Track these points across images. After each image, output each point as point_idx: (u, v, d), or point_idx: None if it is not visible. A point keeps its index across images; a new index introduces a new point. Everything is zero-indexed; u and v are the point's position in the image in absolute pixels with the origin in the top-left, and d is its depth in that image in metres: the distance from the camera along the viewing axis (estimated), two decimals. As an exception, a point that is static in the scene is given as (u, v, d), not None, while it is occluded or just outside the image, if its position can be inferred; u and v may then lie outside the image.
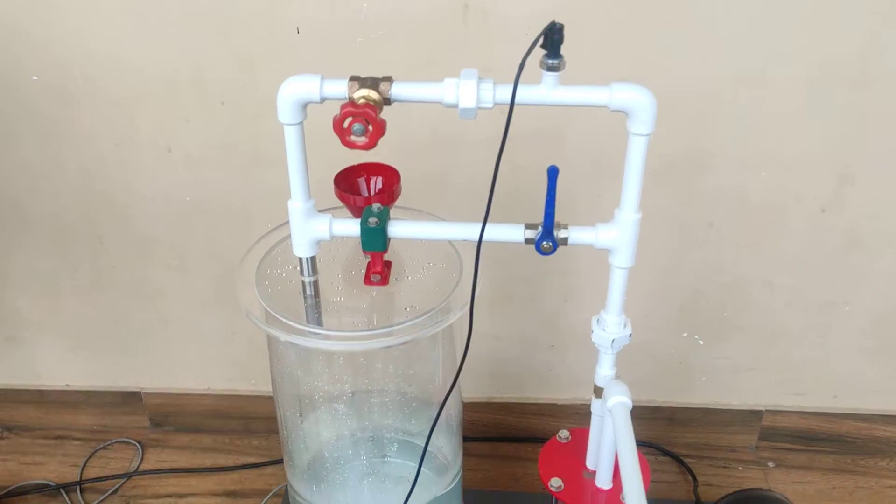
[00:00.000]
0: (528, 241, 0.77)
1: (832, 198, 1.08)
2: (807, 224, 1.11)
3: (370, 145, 0.68)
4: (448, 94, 0.70)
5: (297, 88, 0.71)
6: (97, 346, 1.30)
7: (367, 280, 0.80)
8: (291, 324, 0.79)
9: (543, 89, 0.70)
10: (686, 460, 1.28)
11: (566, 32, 0.67)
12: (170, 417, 1.36)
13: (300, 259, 0.80)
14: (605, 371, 0.85)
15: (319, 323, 0.83)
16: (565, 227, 0.77)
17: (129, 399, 1.34)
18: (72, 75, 1.04)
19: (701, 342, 1.23)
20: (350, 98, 0.70)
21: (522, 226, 0.77)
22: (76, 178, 1.13)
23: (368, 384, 0.94)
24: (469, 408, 1.31)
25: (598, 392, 0.86)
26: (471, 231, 0.78)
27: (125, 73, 1.04)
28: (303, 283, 0.81)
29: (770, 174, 1.07)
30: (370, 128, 0.67)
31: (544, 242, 0.76)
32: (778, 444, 1.30)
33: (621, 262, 0.78)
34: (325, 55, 1.02)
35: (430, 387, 0.95)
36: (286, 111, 0.72)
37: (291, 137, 0.74)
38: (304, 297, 0.82)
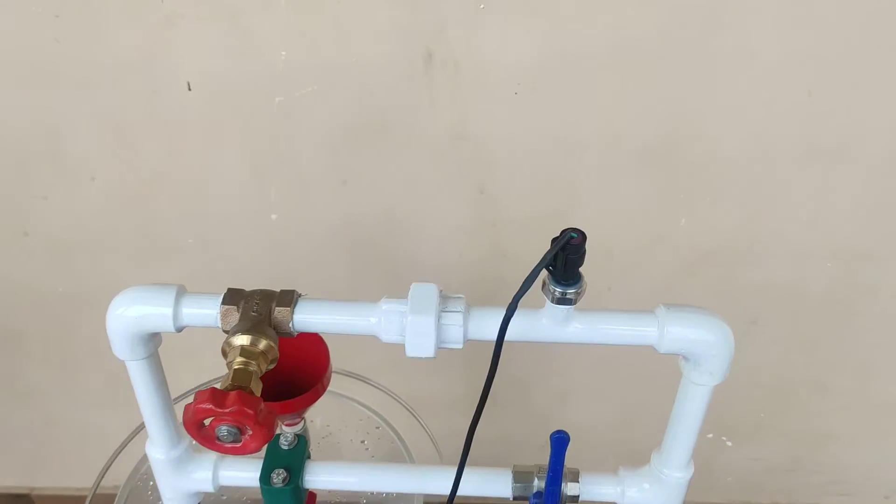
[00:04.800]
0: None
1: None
2: (878, 320, 0.85)
3: (251, 450, 0.40)
4: (387, 330, 0.42)
5: (133, 315, 0.43)
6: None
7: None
8: None
9: (547, 324, 0.42)
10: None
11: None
12: (66, 521, 1.12)
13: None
14: None
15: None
16: (575, 477, 0.50)
17: (18, 502, 1.08)
18: None
19: (729, 443, 0.98)
20: (225, 346, 0.41)
21: (509, 477, 0.51)
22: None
23: None
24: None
25: None
26: (434, 482, 0.51)
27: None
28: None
29: (838, 265, 0.80)
30: (248, 432, 0.39)
31: (544, 524, 0.49)
32: (815, 547, 1.09)
33: (660, 534, 0.52)
34: (229, 120, 0.72)
35: None
36: (122, 346, 0.44)
37: (138, 374, 0.46)
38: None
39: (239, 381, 0.39)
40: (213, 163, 0.75)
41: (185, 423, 0.38)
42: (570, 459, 1.03)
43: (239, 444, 0.39)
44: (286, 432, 0.52)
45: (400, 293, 0.83)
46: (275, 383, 0.58)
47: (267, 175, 0.75)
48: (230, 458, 0.52)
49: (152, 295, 0.42)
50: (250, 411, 0.37)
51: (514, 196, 0.77)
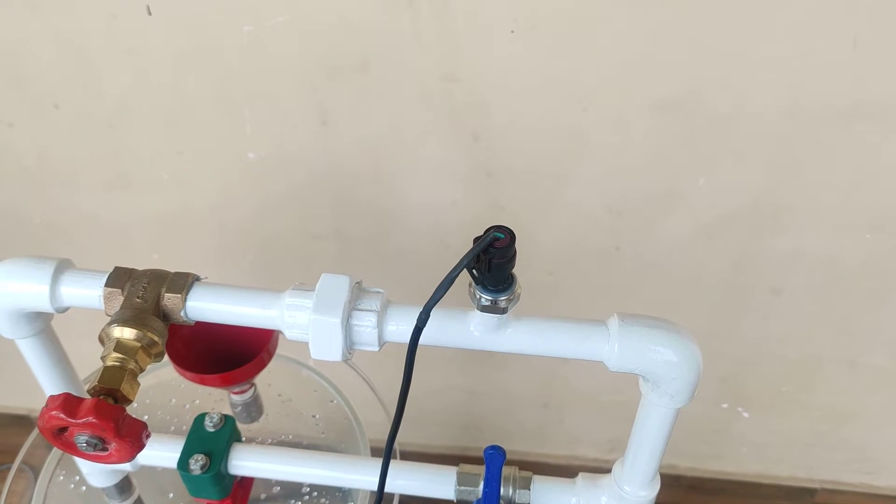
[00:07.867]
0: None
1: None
2: (922, 298, 0.76)
3: (117, 462, 0.35)
4: (290, 327, 0.36)
5: (6, 291, 0.37)
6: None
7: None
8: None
9: (476, 332, 0.36)
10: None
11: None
12: None
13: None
14: None
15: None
16: (526, 484, 0.44)
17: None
18: None
19: (745, 414, 0.92)
20: (102, 335, 0.36)
21: (454, 478, 0.45)
22: None
23: None
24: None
25: None
26: (368, 477, 0.46)
27: None
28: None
29: (878, 238, 0.71)
30: (112, 444, 0.33)
31: (481, 541, 0.44)
32: (834, 526, 1.02)
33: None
34: (194, 49, 0.65)
35: None
36: (2, 324, 0.39)
37: (29, 353, 0.41)
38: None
39: (108, 382, 0.34)
40: (182, 94, 0.68)
41: (39, 429, 0.33)
42: (567, 425, 0.98)
43: (105, 454, 0.34)
44: (212, 414, 0.48)
45: (387, 246, 0.77)
46: (217, 349, 0.53)
47: (240, 111, 0.69)
48: (152, 440, 0.47)
49: (28, 270, 0.37)
50: (108, 423, 0.32)
51: (512, 145, 0.69)
